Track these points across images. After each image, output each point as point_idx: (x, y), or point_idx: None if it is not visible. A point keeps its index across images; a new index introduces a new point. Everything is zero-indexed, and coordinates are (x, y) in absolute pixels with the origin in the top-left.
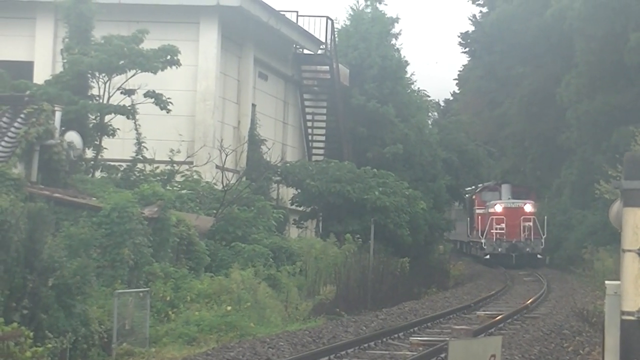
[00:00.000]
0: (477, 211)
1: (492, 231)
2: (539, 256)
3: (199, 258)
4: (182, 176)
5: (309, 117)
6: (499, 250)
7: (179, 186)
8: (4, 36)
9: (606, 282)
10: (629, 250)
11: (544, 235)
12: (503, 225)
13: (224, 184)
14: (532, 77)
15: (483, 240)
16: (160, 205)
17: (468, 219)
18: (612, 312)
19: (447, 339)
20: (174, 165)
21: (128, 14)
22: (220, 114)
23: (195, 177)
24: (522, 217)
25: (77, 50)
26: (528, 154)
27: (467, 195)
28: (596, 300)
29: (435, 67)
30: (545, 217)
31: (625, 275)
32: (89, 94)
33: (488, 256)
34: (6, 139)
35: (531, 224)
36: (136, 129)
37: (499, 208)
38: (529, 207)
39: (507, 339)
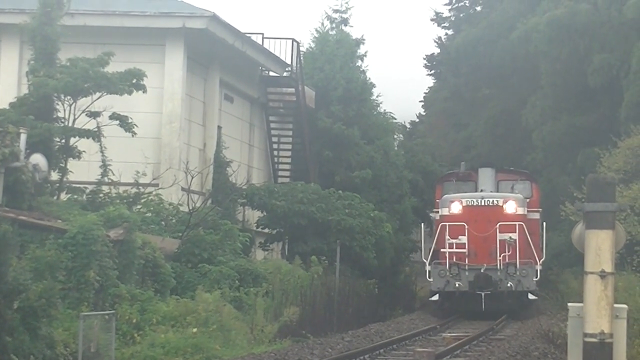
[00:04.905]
0: (436, 216)
1: (443, 250)
2: (530, 297)
3: (164, 280)
4: (146, 199)
5: (275, 139)
6: (457, 285)
7: (144, 209)
8: None
9: (569, 304)
10: (591, 273)
11: (541, 258)
12: (464, 238)
13: (190, 207)
14: (497, 99)
15: (427, 268)
16: (126, 228)
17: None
18: (575, 334)
19: None
20: (140, 187)
21: (94, 36)
22: (186, 136)
23: (158, 200)
24: (498, 224)
25: (42, 73)
26: None
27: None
28: (561, 322)
29: (401, 88)
30: (544, 224)
31: (587, 298)
32: (54, 116)
33: (437, 296)
34: None
35: (516, 236)
36: (102, 151)
37: (456, 208)
38: (512, 206)
39: None
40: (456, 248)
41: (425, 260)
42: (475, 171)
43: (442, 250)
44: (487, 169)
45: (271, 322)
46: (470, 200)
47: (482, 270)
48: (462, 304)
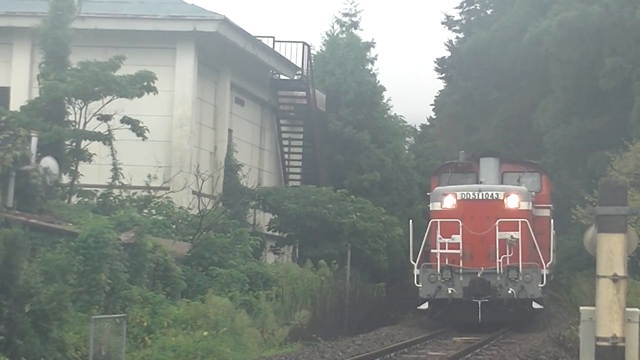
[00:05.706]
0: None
1: (433, 251)
2: (535, 305)
3: (175, 283)
4: (156, 203)
5: (285, 142)
6: (450, 291)
7: (154, 212)
8: None
9: (581, 307)
10: (604, 276)
11: (548, 260)
12: (458, 237)
13: (201, 210)
14: (508, 103)
15: (416, 271)
16: (137, 231)
17: None
18: (586, 337)
19: None
20: (151, 191)
21: (104, 39)
22: (197, 139)
23: (166, 203)
24: (498, 221)
25: (53, 76)
26: None
27: None
28: (572, 325)
29: (412, 91)
30: (552, 222)
31: (599, 301)
32: (65, 119)
33: (426, 304)
34: None
35: (518, 235)
36: (112, 155)
37: (450, 202)
38: (514, 201)
39: None
40: (449, 248)
41: (413, 263)
42: (477, 161)
43: (432, 251)
44: (489, 159)
45: (282, 326)
46: (465, 193)
47: (478, 275)
48: (455, 314)
